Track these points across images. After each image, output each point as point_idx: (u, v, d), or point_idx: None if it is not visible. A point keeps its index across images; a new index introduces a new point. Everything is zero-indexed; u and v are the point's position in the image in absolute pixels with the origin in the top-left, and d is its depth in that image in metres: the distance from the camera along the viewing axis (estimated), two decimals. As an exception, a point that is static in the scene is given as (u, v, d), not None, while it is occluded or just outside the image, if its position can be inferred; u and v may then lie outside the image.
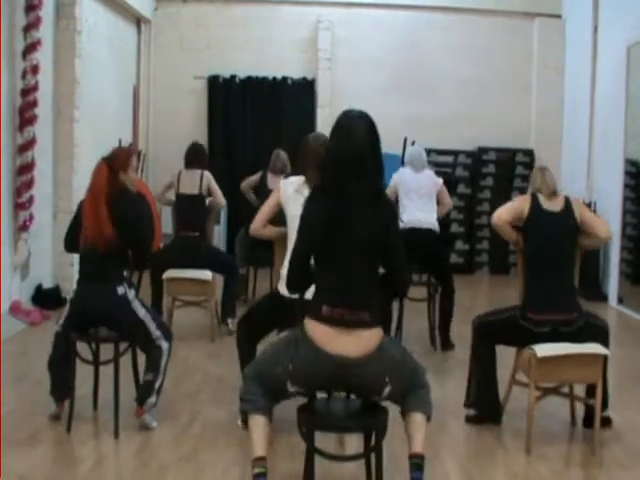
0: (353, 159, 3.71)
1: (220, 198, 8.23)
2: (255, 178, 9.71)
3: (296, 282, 3.98)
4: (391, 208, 3.90)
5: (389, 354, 3.73)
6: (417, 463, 3.76)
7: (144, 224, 5.33)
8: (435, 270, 7.69)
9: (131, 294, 5.15)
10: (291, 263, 3.93)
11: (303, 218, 3.83)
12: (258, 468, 3.77)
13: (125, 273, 5.25)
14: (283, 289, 4.66)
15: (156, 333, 5.20)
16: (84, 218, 5.07)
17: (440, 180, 7.94)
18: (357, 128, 3.80)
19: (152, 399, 5.17)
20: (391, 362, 3.73)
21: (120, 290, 5.08)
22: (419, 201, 7.68)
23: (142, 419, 5.16)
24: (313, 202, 3.80)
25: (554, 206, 5.24)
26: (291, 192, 4.97)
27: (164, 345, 5.22)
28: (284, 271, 4.49)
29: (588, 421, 5.28)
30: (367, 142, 3.76)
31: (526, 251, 5.26)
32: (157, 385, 5.20)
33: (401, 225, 7.37)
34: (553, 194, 5.30)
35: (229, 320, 7.92)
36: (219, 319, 8.03)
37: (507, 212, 5.33)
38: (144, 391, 5.19)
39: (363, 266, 3.70)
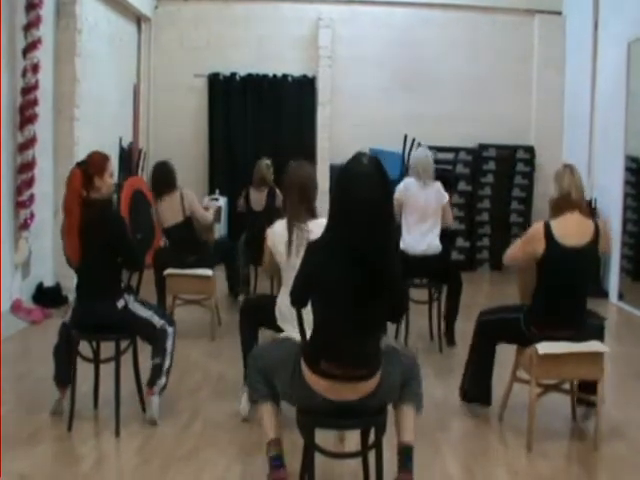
0: (365, 212, 3.49)
1: (205, 217, 8.08)
2: (242, 200, 9.61)
3: (300, 302, 3.81)
4: (394, 262, 3.65)
5: (389, 382, 3.74)
6: (406, 452, 3.78)
7: (125, 239, 5.18)
8: (445, 279, 7.64)
9: (131, 302, 5.17)
10: (292, 293, 3.81)
11: (309, 264, 3.67)
12: (273, 450, 3.81)
13: (122, 284, 5.23)
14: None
15: (160, 323, 5.27)
16: (63, 234, 5.09)
17: (446, 196, 7.66)
18: (369, 178, 3.54)
19: (162, 380, 5.23)
20: (391, 387, 3.78)
21: (120, 303, 5.12)
22: (424, 225, 7.46)
23: (150, 415, 5.18)
24: (320, 254, 3.63)
25: (578, 237, 4.93)
26: (278, 237, 4.91)
27: (169, 329, 5.30)
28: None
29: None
30: (380, 194, 3.54)
31: (540, 279, 5.06)
32: (166, 367, 5.26)
33: (404, 248, 7.38)
34: (575, 208, 5.01)
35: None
36: (219, 318, 8.03)
37: (521, 254, 5.13)
38: (154, 373, 5.25)
39: (366, 323, 3.59)
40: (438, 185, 7.61)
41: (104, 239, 5.00)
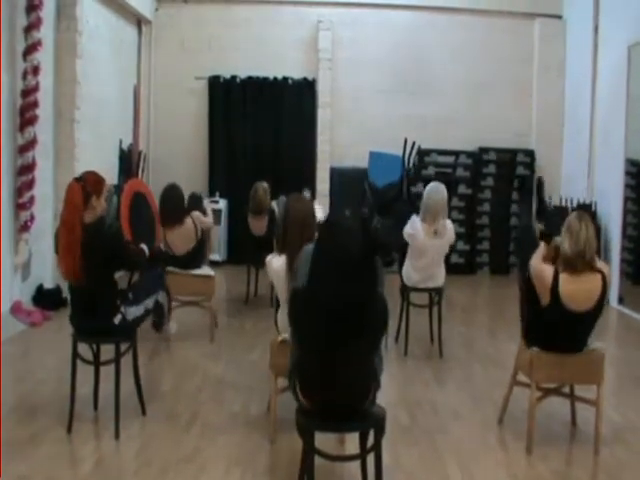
0: (342, 272, 3.60)
1: (208, 224, 8.06)
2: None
3: None
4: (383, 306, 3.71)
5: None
6: None
7: (125, 252, 5.18)
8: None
9: (127, 311, 5.17)
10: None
11: (290, 314, 3.78)
12: None
13: (118, 301, 5.18)
14: None
15: (154, 302, 5.43)
16: (60, 251, 5.03)
17: (454, 234, 7.41)
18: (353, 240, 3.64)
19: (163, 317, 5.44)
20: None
21: (117, 319, 5.12)
22: (431, 267, 7.27)
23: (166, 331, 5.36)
24: (300, 304, 3.72)
25: (585, 302, 4.80)
26: (275, 275, 4.97)
27: (161, 298, 5.55)
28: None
29: None
30: (359, 252, 3.62)
31: (540, 313, 4.97)
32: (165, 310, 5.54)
33: (407, 282, 7.37)
34: (587, 267, 4.83)
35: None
36: (216, 321, 8.01)
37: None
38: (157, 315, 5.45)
39: (348, 358, 3.64)
40: (449, 225, 7.29)
41: (103, 257, 4.97)
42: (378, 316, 3.65)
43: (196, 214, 7.83)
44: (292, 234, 4.85)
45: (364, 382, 3.70)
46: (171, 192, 7.79)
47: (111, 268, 5.08)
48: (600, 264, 4.92)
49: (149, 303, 5.38)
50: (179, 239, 7.69)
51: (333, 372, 3.59)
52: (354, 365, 3.64)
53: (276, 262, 4.91)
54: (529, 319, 5.11)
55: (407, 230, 7.21)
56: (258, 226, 9.33)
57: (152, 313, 5.67)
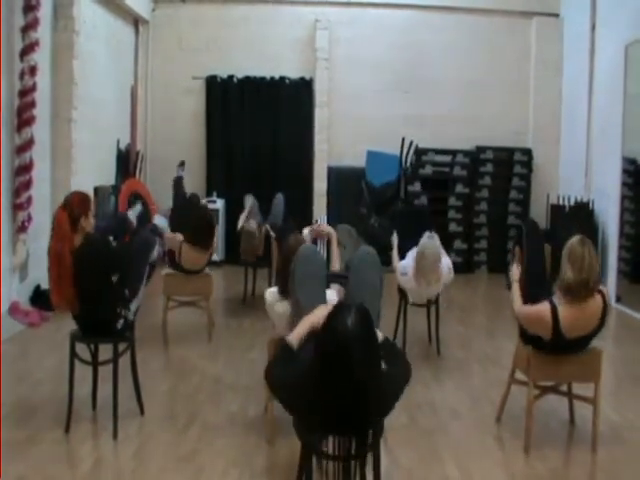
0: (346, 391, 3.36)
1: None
2: None
3: None
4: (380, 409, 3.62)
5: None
6: None
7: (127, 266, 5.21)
8: None
9: (130, 312, 5.20)
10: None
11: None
12: None
13: (118, 309, 5.17)
14: None
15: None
16: (51, 282, 5.03)
17: (452, 275, 7.10)
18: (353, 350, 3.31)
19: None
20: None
21: (119, 324, 5.15)
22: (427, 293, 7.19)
23: None
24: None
25: (586, 327, 4.75)
26: (269, 309, 5.02)
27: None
28: None
29: None
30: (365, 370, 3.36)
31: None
32: None
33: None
34: (587, 293, 4.72)
35: None
36: (213, 321, 7.99)
37: (524, 322, 5.00)
38: None
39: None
40: (445, 270, 6.93)
41: (98, 276, 5.00)
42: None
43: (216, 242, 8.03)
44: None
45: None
46: (208, 217, 7.93)
47: (109, 282, 5.09)
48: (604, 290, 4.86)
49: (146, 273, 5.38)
50: (198, 260, 7.68)
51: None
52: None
53: (279, 307, 4.91)
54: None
55: (398, 276, 7.10)
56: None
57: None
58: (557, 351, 4.87)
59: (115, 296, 5.13)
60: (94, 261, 4.99)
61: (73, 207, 4.99)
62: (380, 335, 3.72)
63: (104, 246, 5.25)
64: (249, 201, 10.31)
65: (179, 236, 7.64)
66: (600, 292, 4.79)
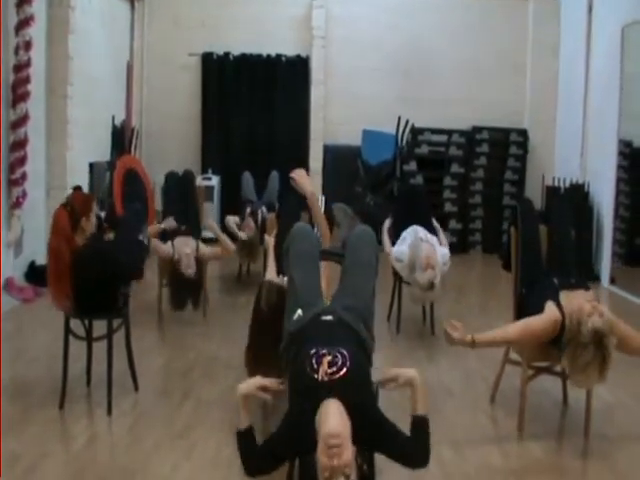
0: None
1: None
2: None
3: None
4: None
5: None
6: None
7: (122, 264, 5.16)
8: None
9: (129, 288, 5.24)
10: None
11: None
12: None
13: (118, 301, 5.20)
14: None
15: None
16: (50, 279, 5.06)
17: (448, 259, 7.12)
18: None
19: None
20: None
21: (121, 300, 5.21)
22: None
23: None
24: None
25: None
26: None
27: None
28: None
29: None
30: None
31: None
32: None
33: None
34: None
35: None
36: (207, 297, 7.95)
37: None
38: None
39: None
40: (443, 255, 7.00)
41: (99, 280, 4.99)
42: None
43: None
44: None
45: None
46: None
47: (112, 281, 5.09)
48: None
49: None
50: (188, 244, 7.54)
51: None
52: None
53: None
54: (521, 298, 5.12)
55: (395, 256, 7.05)
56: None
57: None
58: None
59: (115, 293, 5.16)
60: (94, 267, 4.98)
61: (74, 208, 5.00)
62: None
63: (105, 252, 5.20)
64: (245, 178, 10.32)
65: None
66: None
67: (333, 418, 3.21)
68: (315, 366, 3.39)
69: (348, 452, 3.15)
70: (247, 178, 10.40)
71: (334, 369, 3.38)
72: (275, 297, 4.87)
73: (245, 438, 3.59)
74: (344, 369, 3.38)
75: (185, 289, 7.14)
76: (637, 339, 4.80)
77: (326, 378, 3.36)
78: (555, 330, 4.68)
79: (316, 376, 3.37)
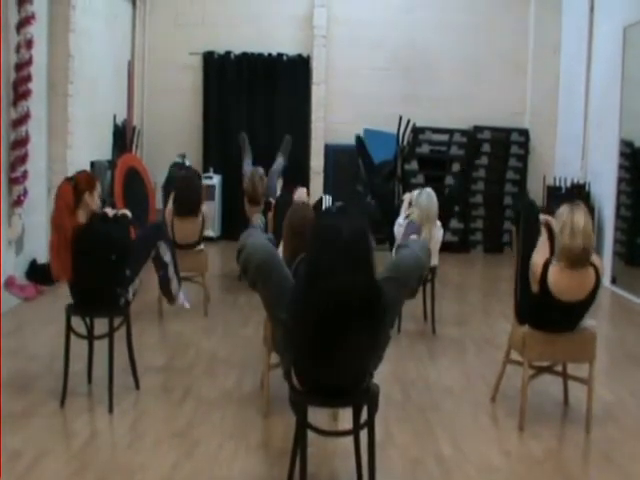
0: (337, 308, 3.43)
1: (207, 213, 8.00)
2: None
3: None
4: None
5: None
6: None
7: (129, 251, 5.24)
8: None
9: (130, 292, 5.23)
10: None
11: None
12: None
13: (119, 290, 5.18)
14: None
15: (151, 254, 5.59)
16: (51, 251, 5.07)
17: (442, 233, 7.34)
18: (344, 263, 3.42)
19: (174, 285, 5.73)
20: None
21: (121, 301, 5.20)
22: None
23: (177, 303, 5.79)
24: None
25: (577, 293, 4.74)
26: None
27: (162, 246, 5.65)
28: None
29: None
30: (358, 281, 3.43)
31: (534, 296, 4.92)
32: (171, 273, 5.72)
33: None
34: (580, 264, 4.71)
35: None
36: (209, 295, 7.97)
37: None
38: (162, 286, 5.84)
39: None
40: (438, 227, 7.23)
41: (101, 257, 5.01)
42: (375, 301, 3.58)
43: (207, 212, 7.92)
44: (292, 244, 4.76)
45: (362, 367, 3.67)
46: (189, 182, 7.92)
47: (111, 264, 5.09)
48: (594, 257, 4.82)
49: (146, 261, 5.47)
50: (189, 231, 7.69)
51: (331, 356, 3.54)
52: (353, 350, 3.56)
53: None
54: (521, 299, 5.11)
55: (398, 222, 7.21)
56: (253, 211, 9.28)
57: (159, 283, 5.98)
58: (550, 320, 4.88)
59: (115, 276, 5.14)
60: (95, 244, 5.01)
61: (78, 182, 5.02)
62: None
63: (107, 229, 5.20)
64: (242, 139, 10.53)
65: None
66: (594, 266, 4.76)
67: None
68: None
69: None
70: (243, 138, 10.59)
71: None
72: (307, 211, 5.05)
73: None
74: None
75: None
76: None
77: None
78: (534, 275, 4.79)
79: None
